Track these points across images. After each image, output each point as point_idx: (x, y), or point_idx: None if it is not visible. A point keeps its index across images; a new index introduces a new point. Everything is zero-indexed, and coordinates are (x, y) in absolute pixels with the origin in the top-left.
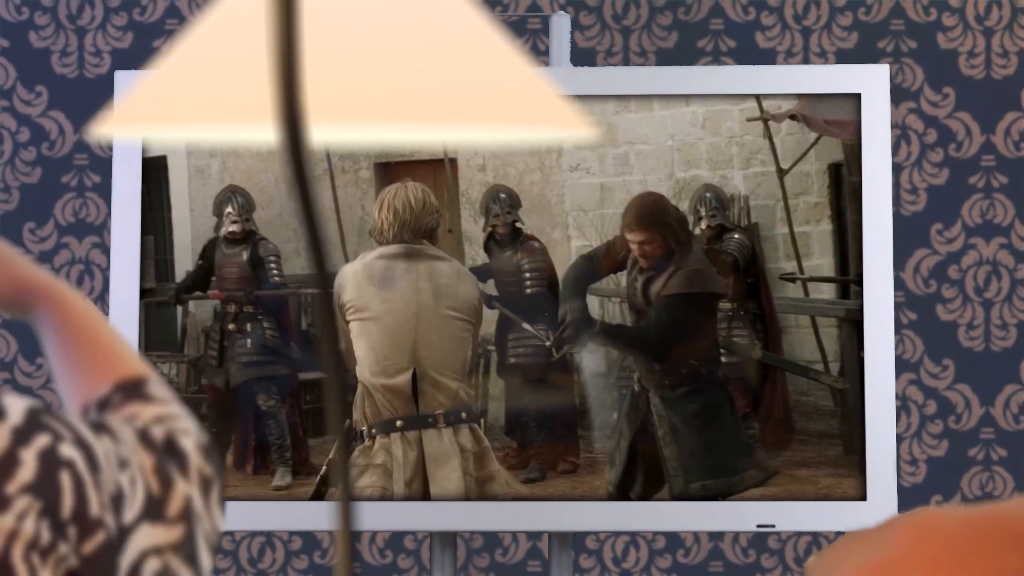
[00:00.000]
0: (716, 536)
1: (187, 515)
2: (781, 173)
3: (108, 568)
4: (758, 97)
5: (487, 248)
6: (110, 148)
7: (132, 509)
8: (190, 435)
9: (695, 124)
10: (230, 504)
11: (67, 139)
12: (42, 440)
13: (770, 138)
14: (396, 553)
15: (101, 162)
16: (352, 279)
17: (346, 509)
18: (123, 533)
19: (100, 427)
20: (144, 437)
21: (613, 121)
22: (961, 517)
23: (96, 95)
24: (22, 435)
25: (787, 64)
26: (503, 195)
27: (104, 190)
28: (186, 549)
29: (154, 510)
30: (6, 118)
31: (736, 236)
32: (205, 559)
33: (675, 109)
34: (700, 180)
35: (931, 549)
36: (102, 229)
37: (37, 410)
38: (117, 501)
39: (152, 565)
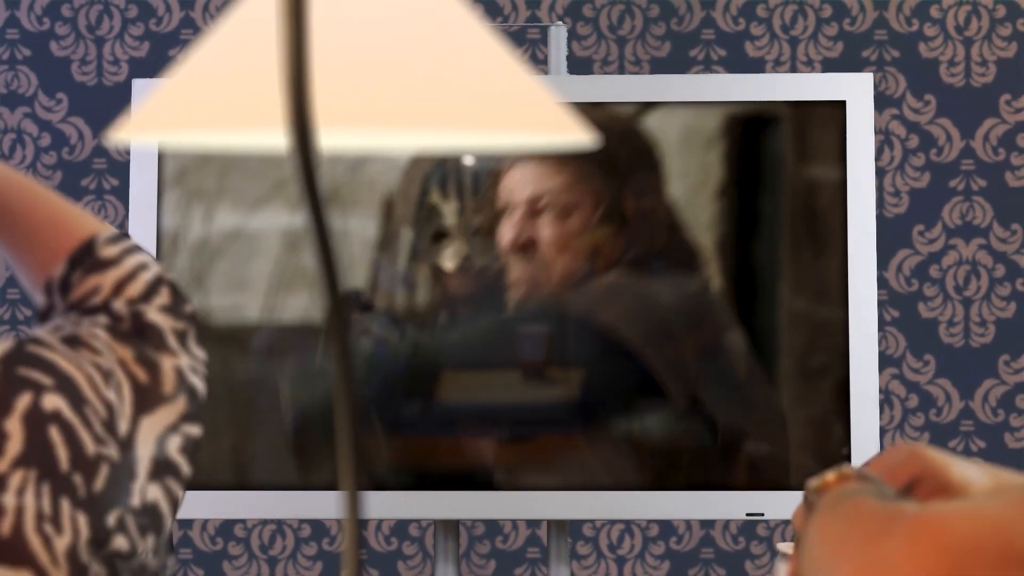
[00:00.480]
0: (707, 524)
1: (181, 384)
2: None
3: (121, 493)
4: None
5: None
6: (127, 153)
7: (124, 417)
8: (151, 285)
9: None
10: (243, 494)
11: (86, 144)
12: (23, 401)
13: None
14: (401, 540)
15: (119, 166)
16: None
17: (353, 499)
18: (125, 444)
19: (75, 341)
20: (115, 329)
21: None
22: (966, 526)
23: (114, 102)
24: (2, 403)
25: (775, 72)
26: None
27: (122, 193)
28: (190, 416)
29: (149, 398)
30: (28, 124)
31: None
32: (200, 387)
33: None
34: None
35: (924, 562)
36: (121, 228)
37: (11, 362)
38: (110, 422)
39: (174, 442)
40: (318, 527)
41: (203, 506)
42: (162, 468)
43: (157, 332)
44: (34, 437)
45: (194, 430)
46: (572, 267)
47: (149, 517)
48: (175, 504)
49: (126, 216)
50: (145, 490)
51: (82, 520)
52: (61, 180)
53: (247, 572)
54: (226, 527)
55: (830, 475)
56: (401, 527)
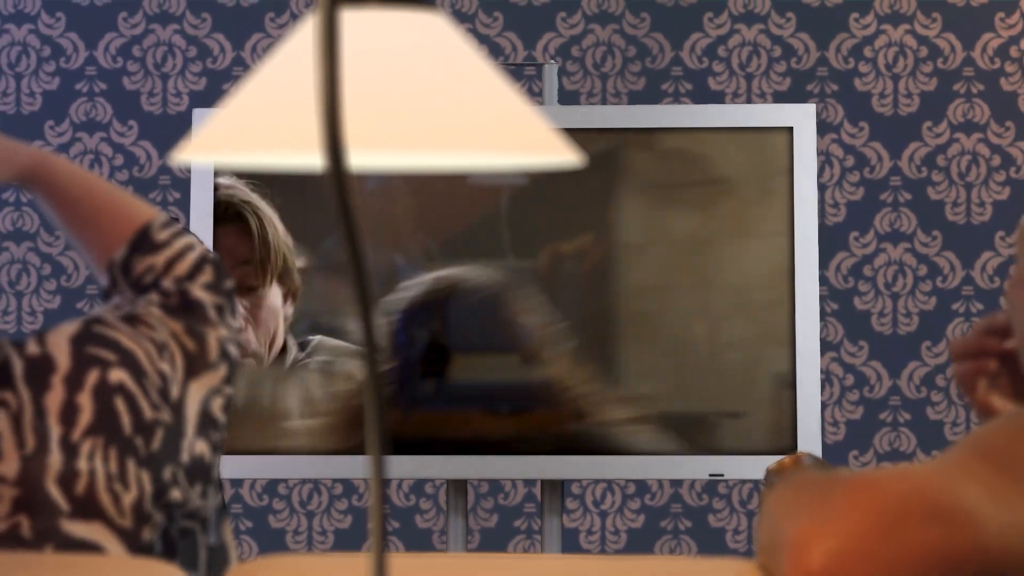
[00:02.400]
0: (676, 483)
1: (222, 352)
2: None
3: (173, 450)
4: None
5: None
6: (188, 171)
7: (176, 382)
8: (195, 264)
9: None
10: (285, 458)
11: (153, 164)
12: (92, 376)
13: None
14: (418, 497)
15: (181, 182)
16: None
17: (378, 462)
18: (176, 408)
19: (134, 319)
20: (166, 306)
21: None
22: (891, 486)
23: (177, 128)
24: (74, 380)
25: (734, 103)
26: None
27: (183, 205)
28: (233, 378)
29: (196, 365)
30: (104, 147)
31: None
32: (235, 354)
33: None
34: None
35: (862, 517)
36: None
37: (80, 339)
38: (164, 390)
39: (217, 403)
40: (348, 486)
41: (251, 468)
42: (206, 424)
43: (201, 307)
44: (102, 408)
45: (230, 390)
46: None
47: (196, 467)
48: (217, 450)
49: (187, 224)
50: (193, 445)
51: (145, 477)
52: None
53: (288, 524)
54: (271, 486)
55: (786, 459)
56: (418, 486)
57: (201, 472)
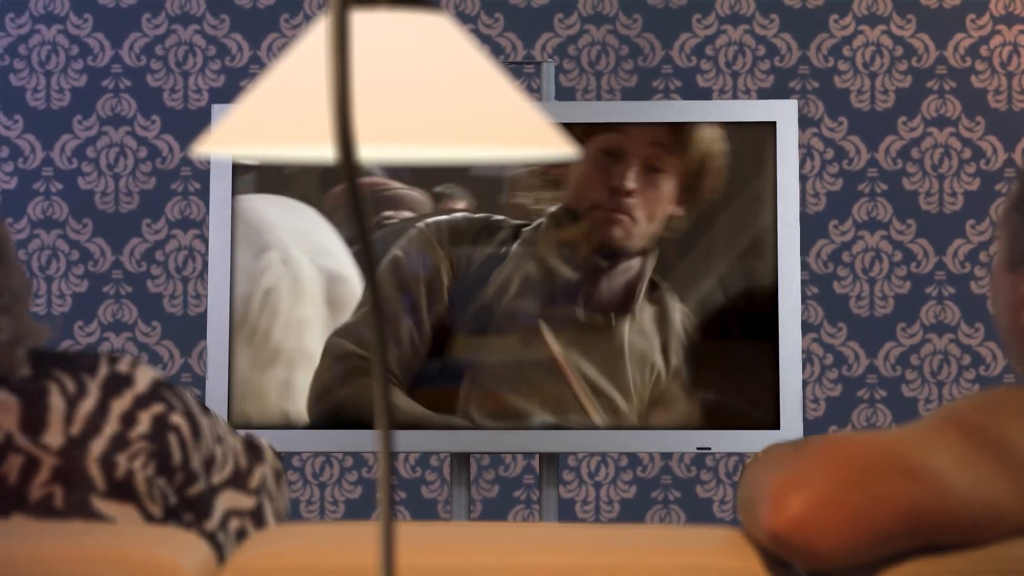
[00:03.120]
0: (666, 456)
1: (261, 490)
2: None
3: (204, 509)
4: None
5: None
6: (208, 163)
7: (221, 474)
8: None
9: None
10: (299, 432)
11: (175, 156)
12: (157, 408)
13: None
14: (424, 469)
15: (201, 173)
16: None
17: (386, 436)
18: (213, 490)
19: (206, 410)
20: (232, 430)
21: None
22: (864, 444)
23: (197, 123)
24: (143, 401)
25: (720, 99)
26: None
27: (203, 194)
28: (257, 516)
29: (239, 480)
30: (129, 140)
31: None
32: (269, 516)
33: None
34: None
35: (836, 469)
36: (202, 224)
37: (160, 384)
38: (209, 465)
39: (233, 524)
40: (358, 459)
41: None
42: (227, 517)
43: (260, 451)
44: (157, 431)
45: (249, 527)
46: None
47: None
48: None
49: (207, 212)
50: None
51: (173, 497)
52: (155, 184)
53: (302, 495)
54: (285, 459)
55: (760, 452)
56: (424, 459)
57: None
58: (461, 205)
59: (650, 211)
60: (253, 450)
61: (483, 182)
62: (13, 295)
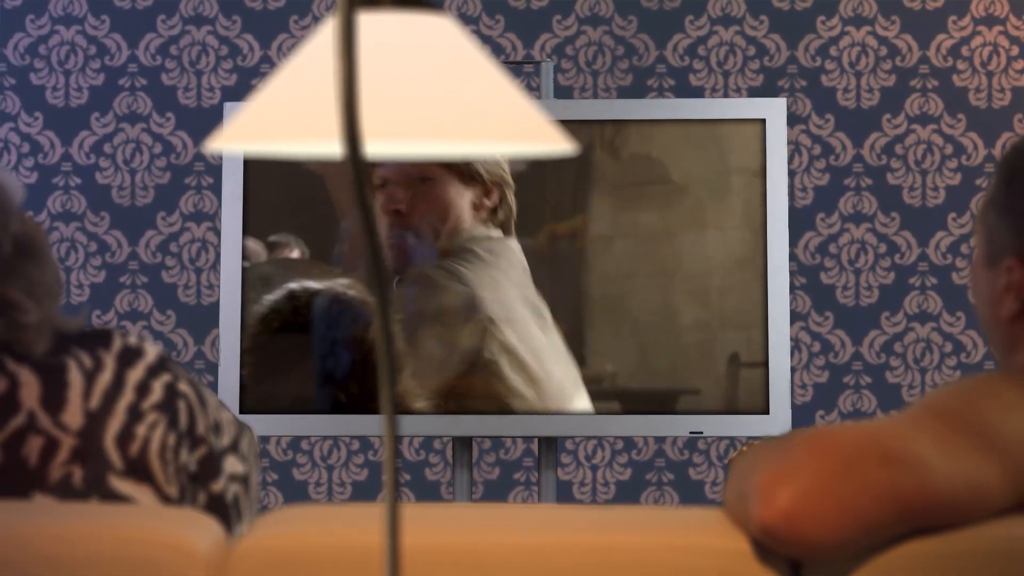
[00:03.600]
0: (660, 440)
1: (248, 456)
2: None
3: (213, 472)
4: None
5: None
6: (220, 158)
7: (224, 439)
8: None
9: None
10: (308, 417)
11: (189, 151)
12: (166, 377)
13: None
14: (428, 452)
15: (213, 168)
16: None
17: (391, 421)
18: (221, 454)
19: (202, 384)
20: (222, 403)
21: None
22: (847, 435)
23: (210, 120)
24: (154, 371)
25: (712, 98)
26: None
27: (216, 189)
28: (246, 483)
29: (235, 446)
30: (145, 136)
31: None
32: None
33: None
34: None
35: (821, 461)
36: (214, 217)
37: (165, 357)
38: (216, 429)
39: (233, 490)
40: (365, 442)
41: (276, 426)
42: (230, 481)
43: (244, 427)
44: (168, 399)
45: (242, 494)
46: None
47: (217, 503)
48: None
49: (219, 206)
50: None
51: (192, 462)
52: (170, 178)
53: (310, 477)
54: (294, 442)
55: (743, 447)
56: (428, 442)
57: (220, 507)
58: (295, 254)
59: (438, 214)
60: (240, 422)
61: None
62: (46, 290)
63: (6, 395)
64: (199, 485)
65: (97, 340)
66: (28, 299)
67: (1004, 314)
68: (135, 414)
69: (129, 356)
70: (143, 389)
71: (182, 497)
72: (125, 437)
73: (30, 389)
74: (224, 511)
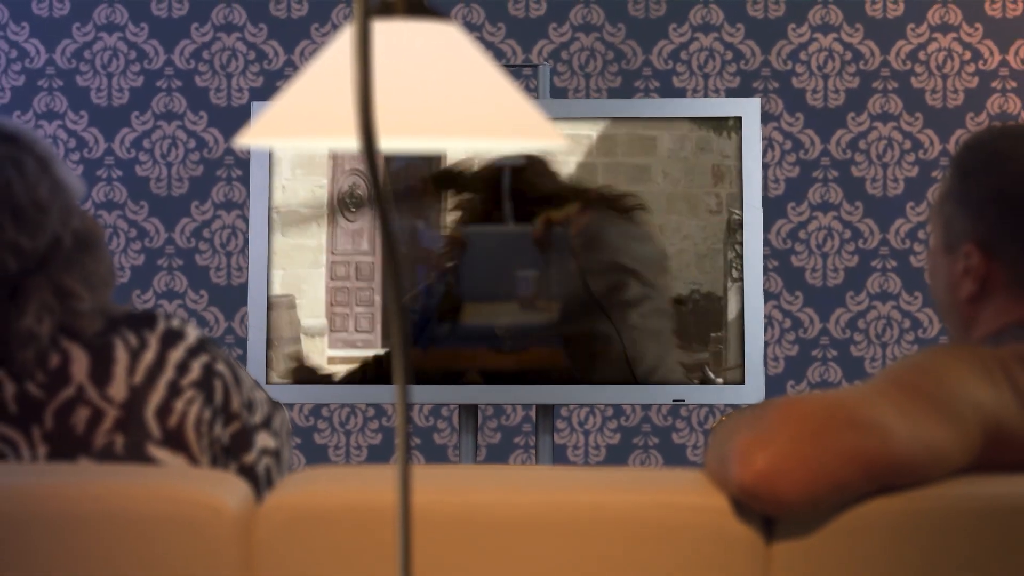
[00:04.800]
0: (646, 407)
1: (280, 433)
2: None
3: (245, 445)
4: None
5: None
6: (248, 153)
7: (258, 415)
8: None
9: None
10: (328, 387)
11: (220, 147)
12: (205, 358)
13: None
14: (436, 419)
15: (242, 162)
16: None
17: (402, 390)
18: (253, 429)
19: (240, 366)
20: (257, 384)
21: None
22: (816, 404)
23: (239, 118)
24: (193, 352)
25: (693, 98)
26: None
27: (244, 180)
28: (278, 456)
29: (267, 423)
30: (180, 133)
31: None
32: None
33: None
34: None
35: (792, 427)
36: (243, 206)
37: (205, 340)
38: (250, 407)
39: (264, 463)
40: (379, 410)
41: (299, 394)
42: (262, 454)
43: (279, 403)
44: (206, 378)
45: (274, 467)
46: None
47: (247, 471)
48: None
49: (247, 196)
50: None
51: (225, 436)
52: (203, 171)
53: (330, 441)
54: (316, 409)
55: (723, 417)
56: (436, 409)
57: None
58: None
59: None
60: (273, 402)
61: None
62: (100, 279)
63: (58, 369)
64: (231, 457)
65: (143, 322)
66: (84, 288)
67: (963, 295)
68: (174, 390)
69: (171, 337)
70: (183, 368)
71: (213, 467)
72: (164, 410)
73: (80, 364)
74: (255, 481)
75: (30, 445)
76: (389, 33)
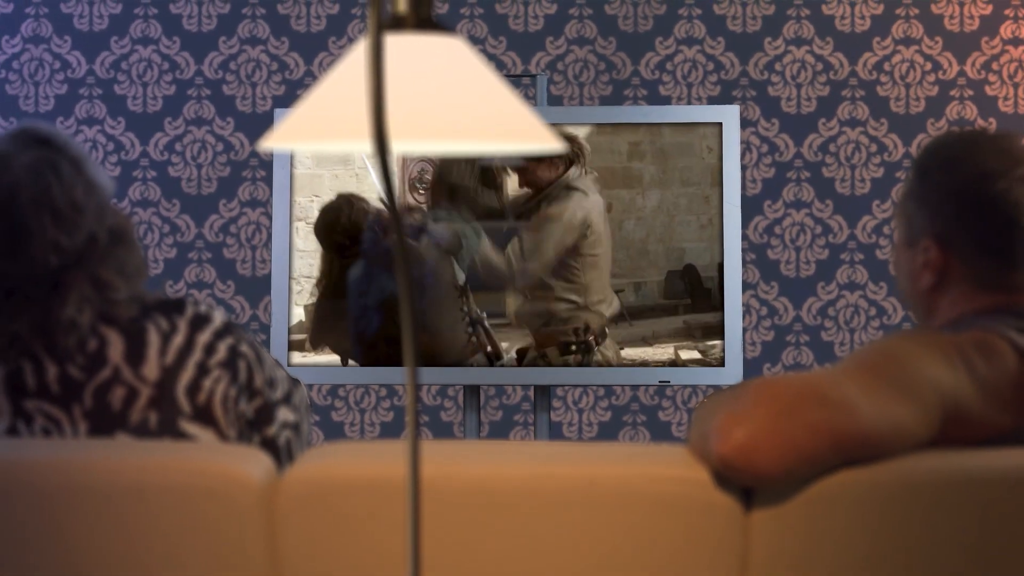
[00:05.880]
0: (634, 388)
1: (299, 408)
2: None
3: (267, 419)
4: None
5: None
6: (271, 155)
7: (279, 392)
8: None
9: None
10: (345, 368)
11: (245, 149)
12: (230, 340)
13: None
14: (443, 398)
15: (266, 163)
16: None
17: (412, 372)
18: (274, 404)
19: (262, 347)
20: (278, 363)
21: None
22: (790, 383)
23: (263, 123)
24: (220, 334)
25: (677, 105)
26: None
27: (268, 180)
28: (297, 429)
29: (287, 398)
30: (208, 137)
31: None
32: (304, 429)
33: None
34: None
35: (767, 406)
36: (266, 204)
37: (230, 323)
38: (271, 384)
39: (285, 435)
40: (391, 390)
41: (318, 375)
42: (283, 427)
43: (298, 380)
44: (231, 359)
45: (294, 439)
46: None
47: (268, 444)
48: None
49: (271, 194)
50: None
51: (249, 411)
52: (230, 171)
53: (346, 418)
54: (333, 390)
55: (705, 398)
56: (443, 389)
57: (272, 447)
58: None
59: None
60: (293, 379)
61: None
62: (134, 270)
63: (96, 352)
64: (255, 430)
65: (173, 308)
66: (119, 278)
67: (923, 286)
68: (203, 370)
69: (199, 321)
70: (210, 349)
71: (239, 439)
72: (194, 388)
73: (116, 348)
74: (276, 452)
75: (72, 422)
76: (400, 46)
